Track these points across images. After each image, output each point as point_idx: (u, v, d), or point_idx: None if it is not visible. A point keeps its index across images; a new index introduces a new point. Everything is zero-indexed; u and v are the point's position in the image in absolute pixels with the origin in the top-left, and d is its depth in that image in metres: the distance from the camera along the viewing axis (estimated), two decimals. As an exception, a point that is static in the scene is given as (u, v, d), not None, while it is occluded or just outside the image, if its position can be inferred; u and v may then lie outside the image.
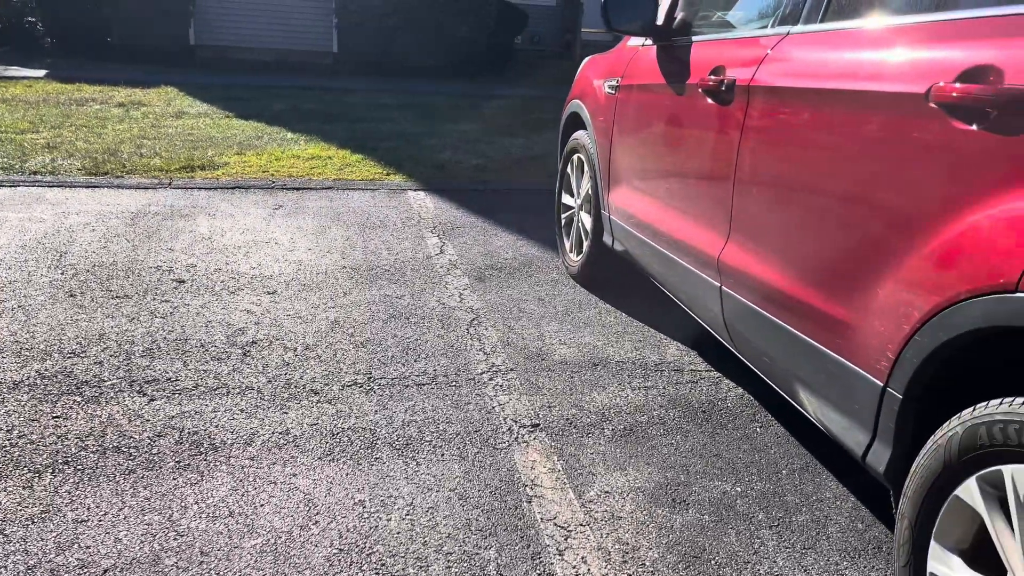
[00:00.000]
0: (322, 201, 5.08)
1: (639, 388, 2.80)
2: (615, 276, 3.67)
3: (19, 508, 1.95)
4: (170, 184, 5.25)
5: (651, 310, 3.48)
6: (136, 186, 5.16)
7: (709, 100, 2.40)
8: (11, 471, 2.09)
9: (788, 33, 2.15)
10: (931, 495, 1.45)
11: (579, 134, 3.81)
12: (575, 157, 3.89)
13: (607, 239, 3.45)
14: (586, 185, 3.70)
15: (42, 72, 10.28)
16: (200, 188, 5.21)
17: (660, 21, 2.97)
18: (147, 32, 11.89)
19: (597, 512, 2.10)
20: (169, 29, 12.16)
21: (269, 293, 3.45)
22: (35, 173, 5.29)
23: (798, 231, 1.98)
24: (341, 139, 7.09)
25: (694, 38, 2.75)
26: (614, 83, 3.32)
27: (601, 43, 13.87)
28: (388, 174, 5.94)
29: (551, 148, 6.77)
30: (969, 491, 1.37)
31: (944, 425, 1.44)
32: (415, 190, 5.55)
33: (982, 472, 1.34)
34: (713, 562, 1.93)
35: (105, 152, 5.96)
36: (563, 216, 4.11)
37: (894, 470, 1.63)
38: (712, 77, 2.38)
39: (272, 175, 5.65)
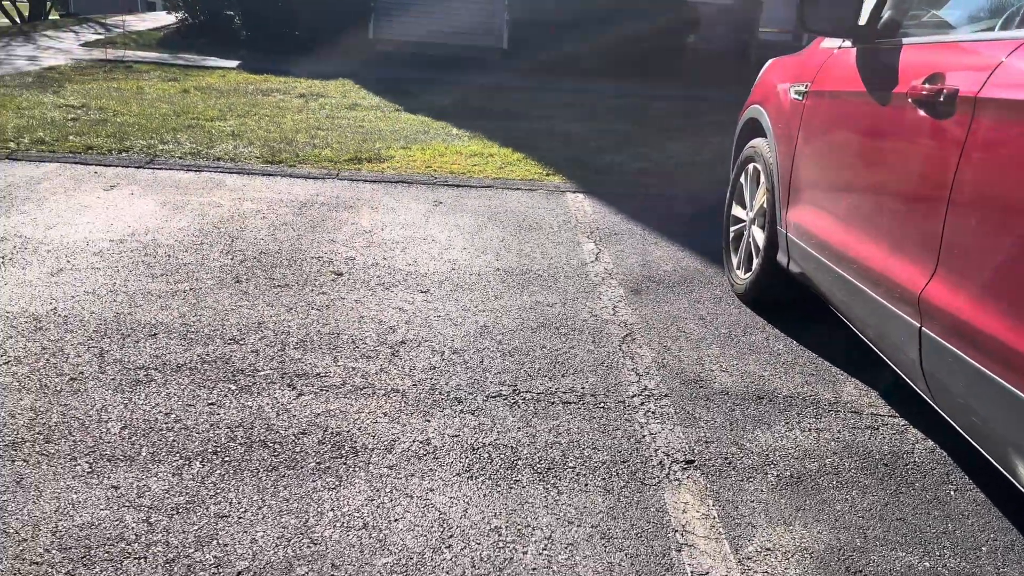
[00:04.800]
0: (480, 199, 5.05)
1: (809, 429, 2.51)
2: (787, 298, 3.36)
3: (166, 496, 1.98)
4: (338, 175, 5.39)
5: (827, 340, 3.15)
6: (307, 176, 5.34)
7: (921, 112, 2.09)
8: (164, 456, 2.14)
9: (1030, 36, 1.82)
10: None
11: (757, 142, 3.52)
12: (750, 167, 3.60)
13: (781, 258, 3.16)
14: (761, 198, 3.41)
15: (235, 63, 11.00)
16: (365, 180, 5.32)
17: (863, 21, 2.65)
18: (330, 27, 12.54)
19: (756, 572, 1.87)
20: (350, 24, 12.74)
21: (422, 292, 3.42)
22: (219, 159, 5.60)
23: (1031, 273, 1.66)
24: (504, 137, 7.06)
25: (904, 40, 2.42)
26: (802, 88, 3.02)
27: (779, 44, 13.12)
28: (548, 174, 5.83)
29: (719, 154, 6.43)
30: None
31: None
32: (574, 192, 5.41)
33: None
34: (894, 652, 1.66)
35: (282, 141, 6.23)
36: (732, 229, 3.83)
37: None
38: (927, 86, 2.07)
39: (434, 171, 5.69)
